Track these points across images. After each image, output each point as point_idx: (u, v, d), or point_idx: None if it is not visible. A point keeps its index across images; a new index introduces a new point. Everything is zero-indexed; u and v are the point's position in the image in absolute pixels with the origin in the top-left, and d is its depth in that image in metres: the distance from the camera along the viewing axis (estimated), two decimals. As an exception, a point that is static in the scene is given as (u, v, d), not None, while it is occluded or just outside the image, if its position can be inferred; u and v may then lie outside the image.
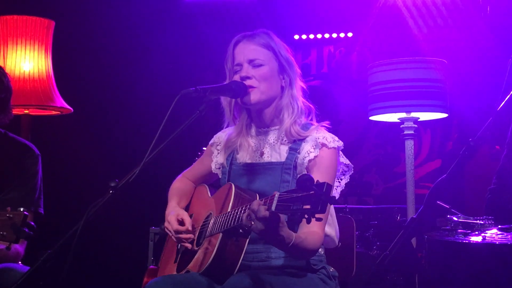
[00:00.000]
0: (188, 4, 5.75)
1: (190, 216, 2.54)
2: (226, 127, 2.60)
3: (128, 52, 5.31)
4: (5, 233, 2.23)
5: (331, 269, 2.43)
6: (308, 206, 1.81)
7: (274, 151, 2.44)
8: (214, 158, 2.59)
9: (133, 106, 5.30)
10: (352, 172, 2.50)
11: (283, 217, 2.00)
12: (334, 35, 5.92)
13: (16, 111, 3.55)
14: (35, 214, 2.87)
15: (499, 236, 2.27)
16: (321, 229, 2.29)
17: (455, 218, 2.44)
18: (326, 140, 2.38)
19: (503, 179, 3.01)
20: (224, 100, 2.52)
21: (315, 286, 2.32)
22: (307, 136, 2.40)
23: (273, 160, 2.43)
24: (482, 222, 2.41)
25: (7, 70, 3.42)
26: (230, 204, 2.28)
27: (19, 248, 2.84)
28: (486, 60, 5.04)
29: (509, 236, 2.25)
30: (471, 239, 2.26)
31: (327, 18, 5.77)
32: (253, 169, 2.44)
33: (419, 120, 3.96)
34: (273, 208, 1.91)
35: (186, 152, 4.22)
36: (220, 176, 2.57)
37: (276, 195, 1.91)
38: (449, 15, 5.37)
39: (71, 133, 4.98)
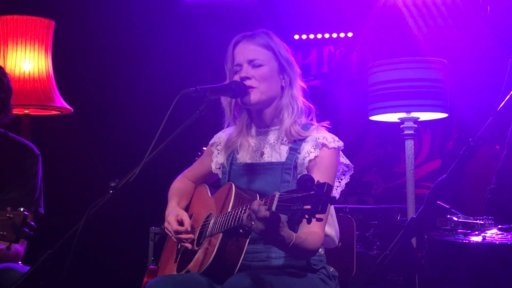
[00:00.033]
0: (188, 4, 5.75)
1: (190, 216, 2.54)
2: (226, 127, 2.60)
3: (128, 52, 5.31)
4: (5, 233, 2.23)
5: (331, 269, 2.44)
6: (308, 206, 1.81)
7: (274, 151, 2.44)
8: (214, 158, 2.59)
9: (133, 106, 5.29)
10: (352, 172, 2.50)
11: (284, 217, 2.00)
12: (334, 35, 5.92)
13: (16, 111, 3.55)
14: (35, 214, 2.87)
15: (499, 236, 2.27)
16: (321, 229, 2.29)
17: (455, 218, 2.44)
18: (327, 140, 2.38)
19: (503, 179, 3.01)
20: (225, 100, 2.52)
21: (315, 286, 2.32)
22: (307, 136, 2.40)
23: (273, 160, 2.43)
24: (482, 222, 2.40)
25: (7, 70, 3.42)
26: (231, 204, 2.28)
27: (19, 248, 2.84)
28: (486, 60, 5.04)
29: (509, 236, 2.25)
30: (471, 239, 2.26)
31: (327, 18, 5.77)
32: (253, 169, 2.44)
33: (419, 120, 3.96)
34: (273, 208, 1.91)
35: (186, 152, 4.22)
36: (220, 176, 2.57)
37: (277, 195, 1.91)
38: (449, 15, 5.37)
39: (71, 133, 4.98)
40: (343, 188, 2.48)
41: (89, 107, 4.96)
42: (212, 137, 2.66)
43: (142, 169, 2.08)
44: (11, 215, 2.22)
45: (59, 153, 4.75)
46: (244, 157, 2.50)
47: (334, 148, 2.39)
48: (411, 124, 3.94)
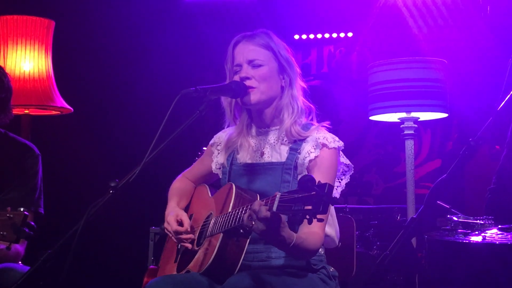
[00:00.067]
0: (188, 4, 5.75)
1: (190, 216, 2.54)
2: (227, 127, 2.60)
3: (128, 52, 5.31)
4: (5, 233, 2.23)
5: (331, 269, 2.44)
6: (309, 207, 1.81)
7: (275, 151, 2.44)
8: (215, 158, 2.59)
9: (133, 106, 5.29)
10: (352, 172, 2.50)
11: (284, 218, 2.00)
12: (334, 35, 5.92)
13: (16, 111, 3.55)
14: (35, 214, 2.87)
15: (499, 236, 2.27)
16: (322, 230, 2.29)
17: (455, 218, 2.44)
18: (327, 140, 2.38)
19: (503, 179, 3.01)
20: (225, 101, 2.52)
21: (315, 286, 2.32)
22: (307, 136, 2.40)
23: (274, 160, 2.43)
24: (482, 222, 2.40)
25: (7, 70, 3.42)
26: (231, 204, 2.28)
27: (19, 248, 2.84)
28: (486, 60, 5.04)
29: (509, 236, 2.25)
30: (471, 239, 2.26)
31: (327, 18, 5.77)
32: (253, 169, 2.44)
33: (419, 120, 3.96)
34: (274, 208, 1.91)
35: (186, 152, 4.22)
36: (220, 176, 2.57)
37: (277, 196, 1.91)
38: (449, 15, 5.37)
39: (71, 133, 4.98)
40: (343, 188, 2.48)
41: (89, 107, 4.95)
42: (212, 137, 2.66)
43: (142, 169, 2.08)
44: (11, 215, 2.22)
45: (59, 153, 4.75)
46: (244, 157, 2.50)
47: (334, 148, 2.39)
48: (411, 124, 3.94)
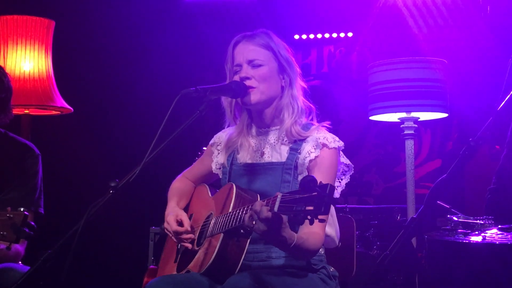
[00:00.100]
0: (188, 4, 5.75)
1: (190, 216, 2.54)
2: (227, 127, 2.60)
3: (128, 52, 5.31)
4: (5, 233, 2.23)
5: (331, 269, 2.44)
6: (311, 207, 1.81)
7: (275, 151, 2.44)
8: (215, 158, 2.59)
9: (133, 106, 5.29)
10: (352, 172, 2.50)
11: (285, 218, 2.00)
12: (334, 35, 5.92)
13: (16, 111, 3.55)
14: (35, 214, 2.87)
15: (499, 236, 2.27)
16: (322, 230, 2.29)
17: (455, 218, 2.44)
18: (327, 140, 2.38)
19: (503, 179, 3.01)
20: (225, 101, 2.52)
21: (315, 286, 2.32)
22: (307, 136, 2.40)
23: (274, 160, 2.43)
24: (482, 222, 2.40)
25: (7, 70, 3.42)
26: (231, 204, 2.28)
27: (20, 248, 2.84)
28: (486, 60, 5.04)
29: (509, 236, 2.25)
30: (471, 239, 2.26)
31: (327, 18, 5.77)
32: (253, 169, 2.44)
33: (419, 120, 3.96)
34: (275, 209, 1.91)
35: (186, 152, 4.22)
36: (220, 176, 2.57)
37: (279, 196, 1.91)
38: (449, 15, 5.37)
39: (71, 133, 4.98)
40: (343, 188, 2.48)
41: (89, 107, 4.96)
42: (212, 137, 2.66)
43: (142, 169, 2.08)
44: (11, 215, 2.22)
45: (59, 153, 4.75)
46: (244, 157, 2.50)
47: (335, 148, 2.39)
48: (411, 124, 3.93)
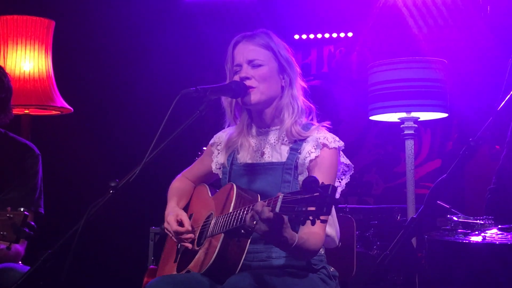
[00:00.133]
0: (188, 4, 5.75)
1: (190, 216, 2.54)
2: (227, 127, 2.60)
3: (128, 52, 5.31)
4: (5, 233, 2.23)
5: (332, 269, 2.44)
6: (313, 208, 1.81)
7: (275, 151, 2.44)
8: (215, 158, 2.59)
9: (133, 106, 5.29)
10: (353, 172, 2.50)
11: (286, 218, 2.00)
12: (334, 35, 5.92)
13: (16, 111, 3.55)
14: (35, 214, 2.87)
15: (499, 236, 2.27)
16: (323, 230, 2.29)
17: (455, 218, 2.44)
18: (327, 140, 2.38)
19: (502, 179, 3.01)
20: (225, 101, 2.52)
21: (315, 286, 2.32)
22: (308, 136, 2.40)
23: (274, 160, 2.43)
24: (482, 222, 2.41)
25: (7, 70, 3.42)
26: (232, 204, 2.28)
27: (20, 248, 2.84)
28: (486, 60, 5.04)
29: (509, 236, 2.25)
30: (471, 239, 2.26)
31: (327, 18, 5.77)
32: (253, 169, 2.44)
33: (419, 120, 3.96)
34: (277, 209, 1.91)
35: (186, 152, 4.22)
36: (220, 176, 2.57)
37: (280, 197, 1.91)
38: (449, 15, 5.37)
39: (71, 133, 4.98)
40: (343, 188, 2.48)
41: (89, 107, 4.96)
42: (212, 137, 2.66)
43: (142, 169, 2.08)
44: (11, 215, 2.23)
45: (59, 153, 4.75)
46: (244, 157, 2.50)
47: (335, 148, 2.39)
48: (411, 124, 3.94)
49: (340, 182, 2.47)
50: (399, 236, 2.30)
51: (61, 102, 3.82)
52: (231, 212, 2.23)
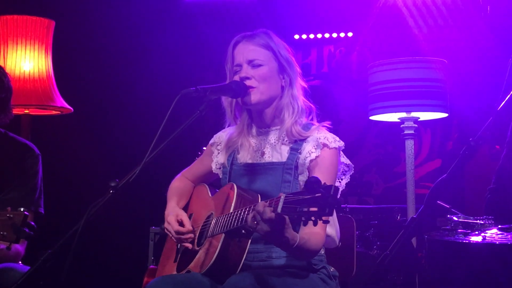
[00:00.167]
0: (188, 4, 5.75)
1: (190, 215, 2.54)
2: (227, 127, 2.60)
3: (128, 52, 5.31)
4: (5, 233, 2.23)
5: (332, 269, 2.44)
6: (315, 209, 1.81)
7: (275, 151, 2.44)
8: (215, 158, 2.59)
9: (133, 106, 5.29)
10: (353, 172, 2.50)
11: (288, 219, 2.00)
12: (334, 35, 5.92)
13: (16, 111, 3.55)
14: (35, 214, 2.87)
15: (499, 236, 2.27)
16: (324, 230, 2.29)
17: (455, 218, 2.44)
18: (327, 140, 2.38)
19: (502, 179, 3.01)
20: (225, 101, 2.52)
21: (315, 286, 2.32)
22: (308, 136, 2.40)
23: (274, 160, 2.43)
24: (482, 222, 2.41)
25: (7, 70, 3.42)
26: (233, 204, 2.27)
27: (20, 248, 2.84)
28: (486, 60, 5.04)
29: (509, 236, 2.25)
30: (471, 239, 2.26)
31: (327, 18, 5.78)
32: (254, 169, 2.44)
33: (419, 120, 3.96)
34: (279, 210, 1.91)
35: (186, 152, 4.22)
36: (220, 176, 2.57)
37: (282, 197, 1.91)
38: (449, 15, 5.37)
39: (71, 133, 4.98)
40: (343, 188, 2.48)
41: (89, 107, 4.95)
42: (212, 137, 2.66)
43: (142, 169, 2.08)
44: (11, 215, 2.23)
45: (59, 153, 4.75)
46: (244, 157, 2.50)
47: (335, 148, 2.39)
48: (411, 124, 3.93)
49: (340, 182, 2.47)
50: (399, 236, 2.30)
51: (61, 102, 3.82)
52: (231, 212, 2.23)
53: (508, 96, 2.38)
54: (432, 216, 2.49)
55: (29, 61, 3.77)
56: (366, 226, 4.44)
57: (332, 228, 2.48)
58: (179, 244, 2.50)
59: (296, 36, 5.96)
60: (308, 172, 2.37)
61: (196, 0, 5.77)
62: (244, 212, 2.12)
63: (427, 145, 5.69)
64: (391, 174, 5.76)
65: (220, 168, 2.57)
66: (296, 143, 2.41)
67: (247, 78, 2.40)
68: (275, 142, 2.46)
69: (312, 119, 2.50)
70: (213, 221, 2.35)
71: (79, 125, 4.89)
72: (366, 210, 4.65)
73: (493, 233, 2.31)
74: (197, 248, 2.38)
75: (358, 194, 5.74)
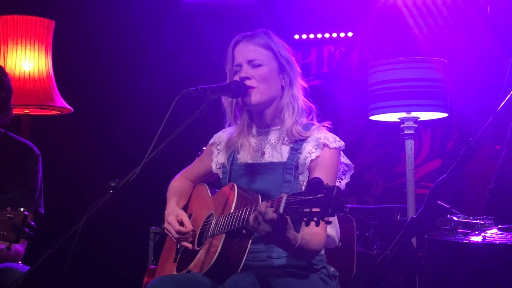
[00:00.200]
0: (188, 4, 5.75)
1: (190, 215, 2.54)
2: (227, 127, 2.60)
3: (128, 52, 5.31)
4: (5, 233, 2.23)
5: (332, 269, 2.44)
6: (317, 209, 1.81)
7: (275, 151, 2.44)
8: (215, 158, 2.59)
9: (133, 106, 5.29)
10: (353, 171, 2.50)
11: (289, 219, 2.00)
12: (334, 35, 5.91)
13: (16, 111, 3.55)
14: (35, 214, 2.87)
15: (499, 236, 2.27)
16: (324, 230, 2.29)
17: (455, 218, 2.44)
18: (328, 140, 2.38)
19: (502, 179, 3.01)
20: (225, 101, 2.52)
21: (315, 286, 2.33)
22: (308, 136, 2.40)
23: (275, 160, 2.43)
24: (482, 222, 2.41)
25: (7, 70, 3.42)
26: (233, 205, 2.27)
27: (20, 248, 2.84)
28: (486, 60, 5.04)
29: (509, 236, 2.25)
30: (471, 239, 2.26)
31: (327, 18, 5.77)
32: (254, 169, 2.44)
33: (419, 119, 3.96)
34: (281, 210, 1.91)
35: (186, 152, 4.22)
36: (220, 176, 2.57)
37: (284, 197, 1.91)
38: (449, 15, 5.37)
39: (71, 133, 4.98)
40: (343, 188, 2.48)
41: (89, 107, 4.95)
42: (212, 137, 2.66)
43: (142, 169, 2.08)
44: (11, 215, 2.23)
45: (59, 153, 4.75)
46: (245, 157, 2.50)
47: (335, 148, 2.39)
48: (411, 124, 3.93)
49: (340, 182, 2.47)
50: (399, 236, 2.31)
51: (61, 102, 3.82)
52: (232, 213, 2.22)
53: (508, 96, 2.38)
54: (432, 216, 2.49)
55: (29, 61, 3.77)
56: (366, 226, 4.44)
57: (332, 228, 2.48)
58: (178, 244, 2.50)
59: (296, 36, 5.96)
60: (309, 172, 2.37)
61: (196, 0, 5.77)
62: (245, 212, 2.12)
63: (427, 145, 5.69)
64: (391, 174, 5.76)
65: (220, 168, 2.57)
66: (297, 143, 2.41)
67: (247, 78, 2.40)
68: (275, 142, 2.46)
69: (312, 119, 2.50)
70: (214, 221, 2.35)
71: (79, 125, 4.89)
72: (366, 210, 4.64)
73: (493, 233, 2.31)
74: (197, 248, 2.38)
75: (358, 194, 5.74)
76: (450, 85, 3.96)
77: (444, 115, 3.95)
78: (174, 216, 2.45)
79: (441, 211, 2.97)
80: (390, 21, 5.53)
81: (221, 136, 2.61)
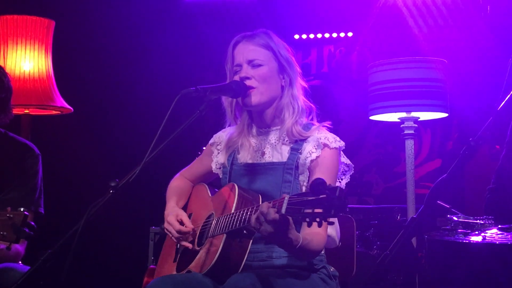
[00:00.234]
0: (188, 4, 5.75)
1: (189, 215, 2.54)
2: (227, 127, 2.60)
3: (128, 52, 5.31)
4: (5, 233, 2.23)
5: (332, 269, 2.44)
6: (320, 210, 1.80)
7: (276, 151, 2.44)
8: (215, 158, 2.59)
9: (133, 106, 5.29)
10: (353, 171, 2.50)
11: (291, 220, 2.00)
12: (334, 35, 5.91)
13: (16, 111, 3.55)
14: (35, 214, 2.87)
15: (499, 236, 2.27)
16: (325, 231, 2.29)
17: (455, 218, 2.44)
18: (328, 140, 2.38)
19: (502, 179, 3.01)
20: (226, 101, 2.52)
21: (315, 286, 2.33)
22: (308, 136, 2.41)
23: (275, 160, 2.43)
24: (482, 222, 2.41)
25: (7, 70, 3.41)
26: (234, 205, 2.27)
27: (20, 248, 2.84)
28: (486, 60, 5.04)
29: (509, 236, 2.25)
30: (471, 239, 2.26)
31: (327, 18, 5.77)
32: (254, 169, 2.44)
33: (419, 119, 3.96)
34: (283, 211, 1.91)
35: (186, 152, 4.22)
36: (220, 176, 2.56)
37: (286, 198, 1.91)
38: (449, 15, 5.37)
39: (71, 133, 4.98)
40: (343, 188, 2.48)
41: (89, 107, 4.95)
42: (212, 137, 2.66)
43: (142, 169, 2.08)
44: (11, 215, 2.23)
45: (59, 153, 4.75)
46: (245, 157, 2.50)
47: (336, 148, 2.39)
48: (411, 124, 3.93)
49: (340, 182, 2.47)
50: (399, 236, 2.30)
51: (61, 102, 3.82)
52: (233, 213, 2.22)
53: (508, 96, 2.38)
54: (432, 216, 2.49)
55: (29, 61, 3.77)
56: (366, 226, 4.44)
57: (332, 228, 2.48)
58: (178, 244, 2.50)
59: (296, 36, 5.96)
60: (309, 172, 2.37)
61: (196, 0, 5.77)
62: (247, 212, 2.12)
63: (427, 145, 5.69)
64: (391, 174, 5.76)
65: (220, 168, 2.57)
66: (297, 143, 2.41)
67: (247, 78, 2.40)
68: (275, 142, 2.46)
69: (312, 119, 2.50)
70: (214, 221, 2.35)
71: (79, 125, 4.89)
72: (366, 210, 4.64)
73: (493, 233, 2.31)
74: (197, 248, 2.38)
75: (358, 194, 5.74)
76: (450, 85, 3.96)
77: (444, 115, 3.95)
78: (174, 216, 2.45)
79: (441, 211, 2.97)
80: (390, 21, 5.53)
81: (221, 136, 2.61)
